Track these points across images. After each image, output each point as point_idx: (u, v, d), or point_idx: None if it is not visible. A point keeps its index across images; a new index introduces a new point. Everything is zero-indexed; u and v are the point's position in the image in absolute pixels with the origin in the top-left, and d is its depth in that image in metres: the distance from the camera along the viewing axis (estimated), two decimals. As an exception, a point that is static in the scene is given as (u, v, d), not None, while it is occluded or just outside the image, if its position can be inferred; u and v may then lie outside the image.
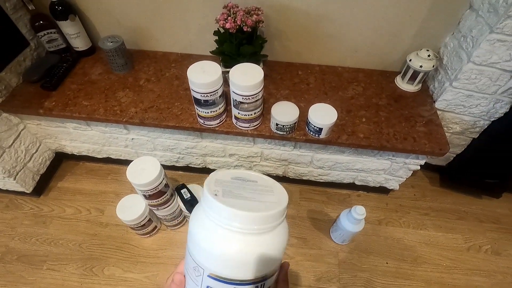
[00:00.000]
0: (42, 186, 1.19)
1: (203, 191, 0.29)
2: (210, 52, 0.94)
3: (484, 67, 0.83)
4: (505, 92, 0.88)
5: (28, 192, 1.13)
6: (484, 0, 0.79)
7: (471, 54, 0.82)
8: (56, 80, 1.00)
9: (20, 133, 1.06)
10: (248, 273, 0.26)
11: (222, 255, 0.26)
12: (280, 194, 0.30)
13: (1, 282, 0.99)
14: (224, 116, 0.90)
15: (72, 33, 1.03)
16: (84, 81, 1.03)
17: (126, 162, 1.22)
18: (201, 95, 0.78)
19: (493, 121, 0.98)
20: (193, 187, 1.00)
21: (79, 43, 1.07)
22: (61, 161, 1.29)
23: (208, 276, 0.26)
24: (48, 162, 1.21)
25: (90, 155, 1.23)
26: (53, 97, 0.98)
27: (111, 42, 0.98)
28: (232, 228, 0.26)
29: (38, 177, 1.17)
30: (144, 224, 0.98)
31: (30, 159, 1.11)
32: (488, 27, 0.77)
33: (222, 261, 0.26)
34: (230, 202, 0.27)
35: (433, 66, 0.94)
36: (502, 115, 0.95)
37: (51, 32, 1.04)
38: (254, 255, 0.26)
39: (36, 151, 1.14)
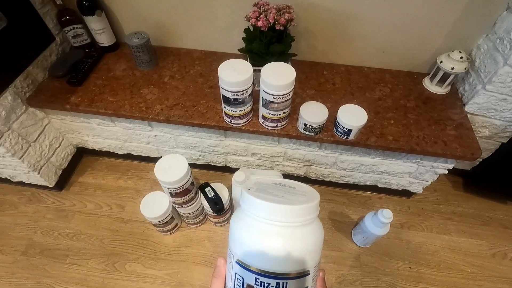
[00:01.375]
0: (64, 180, 1.20)
1: (242, 190, 0.31)
2: (238, 50, 0.93)
3: (522, 70, 0.80)
4: (542, 96, 0.85)
5: (50, 186, 1.14)
6: (525, 1, 0.76)
7: (508, 57, 0.80)
8: (81, 75, 1.00)
9: (44, 127, 1.06)
10: (289, 267, 0.27)
11: (260, 249, 0.27)
12: (312, 196, 0.31)
13: (24, 275, 1.00)
14: (251, 115, 0.89)
15: (98, 28, 1.03)
16: (108, 77, 1.03)
17: (146, 159, 1.24)
18: (231, 94, 0.77)
19: (525, 126, 0.96)
20: (216, 185, 0.99)
21: (104, 39, 1.07)
22: (81, 156, 1.30)
23: (251, 271, 0.27)
24: (70, 157, 1.22)
25: (111, 151, 1.23)
26: (79, 92, 0.98)
27: (137, 38, 0.98)
28: (263, 220, 0.27)
29: (60, 172, 1.17)
30: (167, 222, 0.98)
31: (53, 153, 1.12)
32: (529, 29, 0.74)
33: (262, 255, 0.27)
34: (261, 196, 0.28)
35: (465, 68, 0.91)
36: (536, 120, 0.92)
37: (77, 27, 1.04)
38: (291, 248, 0.27)
39: (59, 145, 1.15)
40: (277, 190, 0.32)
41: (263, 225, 0.27)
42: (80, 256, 1.04)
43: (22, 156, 0.99)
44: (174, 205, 0.95)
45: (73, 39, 1.07)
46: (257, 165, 1.15)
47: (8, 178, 1.14)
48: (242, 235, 0.28)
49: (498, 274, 1.02)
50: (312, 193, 0.32)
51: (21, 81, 0.94)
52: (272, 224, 0.27)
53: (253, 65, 0.88)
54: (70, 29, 1.03)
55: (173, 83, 1.02)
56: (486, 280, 1.01)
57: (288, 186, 0.34)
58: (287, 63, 0.89)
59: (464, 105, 0.97)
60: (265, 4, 0.84)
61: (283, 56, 0.90)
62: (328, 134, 0.88)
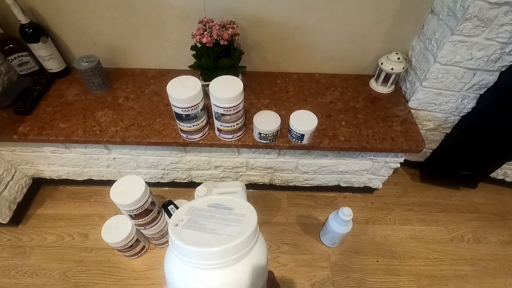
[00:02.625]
0: (19, 215, 1.14)
1: (168, 226, 0.29)
2: (188, 66, 0.95)
3: (449, 66, 0.88)
4: (470, 88, 0.94)
5: (4, 222, 1.07)
6: (443, 5, 0.85)
7: (436, 55, 0.88)
8: (30, 103, 0.97)
9: (-7, 161, 1.01)
10: None
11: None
12: (248, 224, 0.29)
13: (-21, 322, 0.92)
14: (207, 129, 0.90)
15: (44, 55, 1.01)
16: (60, 103, 1.01)
17: (109, 183, 1.19)
18: (182, 110, 0.78)
19: (462, 116, 1.04)
20: (180, 202, 0.98)
21: (53, 65, 1.05)
22: (39, 187, 1.24)
23: None
24: (25, 189, 1.16)
25: (70, 178, 1.19)
26: (27, 121, 0.94)
27: (87, 62, 0.97)
28: (194, 265, 0.26)
29: (15, 206, 1.11)
30: (131, 245, 0.95)
31: (6, 187, 1.06)
32: (449, 30, 0.82)
33: None
34: (187, 234, 0.27)
35: (403, 68, 0.99)
36: (470, 109, 1.01)
37: (22, 55, 1.01)
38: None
39: (12, 178, 1.09)
40: (210, 219, 0.30)
41: (194, 270, 0.26)
42: (42, 293, 0.98)
43: (-32, 193, 0.93)
44: (137, 227, 0.93)
45: (19, 67, 1.03)
46: (222, 177, 1.15)
47: (-44, 219, 1.07)
48: (175, 279, 0.27)
49: (457, 257, 1.08)
50: (249, 216, 0.30)
51: (-38, 115, 0.89)
52: (203, 268, 0.26)
53: (205, 80, 0.91)
54: (15, 58, 1.00)
55: (128, 103, 1.01)
56: (447, 264, 1.07)
57: (225, 207, 0.31)
58: (238, 76, 0.92)
59: (407, 101, 1.04)
60: (209, 21, 0.86)
61: (233, 69, 0.93)
62: (284, 140, 0.91)
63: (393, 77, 1.02)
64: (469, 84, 0.93)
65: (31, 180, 1.19)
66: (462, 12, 0.77)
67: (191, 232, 0.28)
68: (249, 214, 0.30)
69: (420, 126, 1.06)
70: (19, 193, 1.13)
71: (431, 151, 1.21)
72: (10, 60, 1.00)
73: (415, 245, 1.11)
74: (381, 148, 0.91)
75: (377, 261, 1.06)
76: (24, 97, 0.98)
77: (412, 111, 1.02)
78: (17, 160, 1.08)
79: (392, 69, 0.98)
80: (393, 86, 1.07)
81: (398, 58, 0.98)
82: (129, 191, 0.80)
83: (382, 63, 1.00)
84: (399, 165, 1.05)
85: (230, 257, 0.26)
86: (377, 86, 1.07)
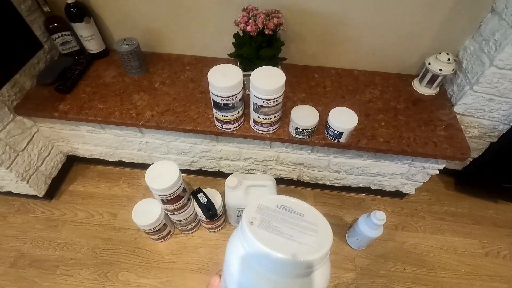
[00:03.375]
0: (53, 189, 1.18)
1: (242, 216, 0.28)
2: (228, 55, 0.93)
3: (507, 71, 0.82)
4: (528, 96, 0.87)
5: (40, 196, 1.12)
6: (508, 3, 0.78)
7: (494, 57, 0.81)
8: (70, 83, 0.99)
9: (33, 136, 1.04)
10: None
11: None
12: (324, 235, 0.28)
13: (13, 288, 0.97)
14: (242, 120, 0.89)
15: (86, 35, 1.02)
16: (98, 84, 1.02)
17: (138, 166, 1.22)
18: (221, 99, 0.77)
19: (512, 125, 0.97)
20: (209, 191, 0.98)
21: (93, 46, 1.06)
22: (72, 164, 1.28)
23: None
24: (59, 165, 1.20)
25: (102, 158, 1.22)
26: (67, 100, 0.97)
27: (127, 44, 0.97)
28: (263, 267, 0.25)
29: (50, 181, 1.15)
30: (159, 229, 0.97)
31: (43, 162, 1.10)
32: (513, 31, 0.76)
33: None
34: (264, 235, 0.26)
35: (453, 70, 0.93)
36: (523, 119, 0.94)
37: (65, 35, 1.03)
38: None
39: (49, 154, 1.13)
40: (284, 223, 0.28)
41: (266, 272, 0.25)
42: (71, 266, 1.02)
43: (9, 165, 0.97)
44: (166, 212, 0.94)
45: (62, 46, 1.05)
46: (250, 169, 1.14)
47: (-4, 188, 1.12)
48: (241, 275, 0.26)
49: (491, 273, 1.03)
50: (324, 227, 0.28)
51: (8, 90, 0.92)
52: (276, 273, 0.25)
53: (244, 70, 0.88)
54: (58, 36, 1.02)
55: (164, 89, 1.01)
56: (480, 279, 1.01)
57: (294, 212, 0.30)
58: (277, 67, 0.89)
59: (453, 106, 0.98)
60: (253, 9, 0.84)
61: (273, 60, 0.91)
62: (320, 137, 0.88)
63: (440, 78, 0.96)
64: (526, 92, 0.86)
65: (66, 157, 1.23)
66: (532, 12, 0.70)
67: (267, 234, 0.26)
68: (323, 224, 0.29)
69: (464, 132, 0.99)
70: (54, 168, 1.17)
71: (472, 159, 1.14)
72: (54, 39, 1.03)
73: (445, 256, 1.06)
74: (422, 152, 0.87)
75: (404, 268, 1.03)
76: (65, 76, 1.00)
77: (458, 116, 0.96)
78: (55, 137, 1.11)
79: (440, 70, 0.93)
80: (438, 89, 1.01)
81: (449, 59, 0.92)
82: (163, 176, 0.81)
83: (429, 63, 0.95)
84: (437, 171, 1.00)
85: (305, 269, 0.25)
86: (420, 87, 1.02)
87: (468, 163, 1.16)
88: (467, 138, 1.04)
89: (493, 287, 1.00)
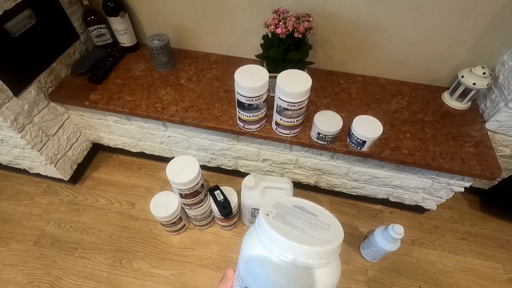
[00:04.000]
0: (78, 174, 1.24)
1: (259, 213, 0.29)
2: (255, 56, 0.94)
3: (548, 89, 0.77)
4: None
5: (65, 179, 1.17)
6: (555, 18, 0.74)
7: (534, 74, 0.77)
8: (102, 74, 1.03)
9: (64, 122, 1.10)
10: None
11: (262, 277, 0.27)
12: (335, 233, 0.29)
13: (35, 265, 1.02)
14: (264, 121, 0.89)
15: (120, 29, 1.06)
16: (128, 77, 1.06)
17: (159, 158, 1.25)
18: (246, 99, 0.77)
19: (549, 147, 0.92)
20: (225, 189, 0.99)
21: (126, 39, 1.10)
22: (96, 152, 1.33)
23: None
24: (85, 152, 1.25)
25: (125, 149, 1.26)
26: (98, 90, 1.01)
27: (158, 40, 1.00)
28: (281, 257, 0.26)
29: (76, 166, 1.21)
30: (175, 222, 0.99)
31: (70, 148, 1.15)
32: (558, 48, 0.71)
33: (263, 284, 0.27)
34: (278, 226, 0.28)
35: (488, 85, 0.89)
36: (561, 141, 0.88)
37: (100, 27, 1.07)
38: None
39: (76, 140, 1.18)
40: (298, 219, 0.30)
41: (280, 262, 0.26)
42: (89, 250, 1.06)
43: (41, 148, 1.02)
44: (183, 206, 0.96)
45: (97, 38, 1.10)
46: (268, 171, 1.14)
47: (26, 169, 1.18)
48: (255, 265, 0.27)
49: (514, 301, 0.97)
50: (336, 228, 0.30)
51: (45, 77, 0.97)
52: (290, 263, 0.26)
53: (270, 72, 0.89)
54: (94, 29, 1.07)
55: (190, 85, 1.03)
56: (500, 306, 0.96)
57: (309, 212, 0.32)
58: (304, 71, 0.89)
59: (484, 122, 0.94)
60: (284, 12, 0.84)
61: (300, 64, 0.90)
62: (342, 144, 0.87)
63: (472, 92, 0.92)
64: None
65: (91, 145, 1.28)
66: None
67: (282, 225, 0.28)
68: (335, 225, 0.30)
69: (495, 150, 0.95)
70: (80, 154, 1.22)
71: (500, 179, 1.09)
72: (90, 31, 1.07)
73: (465, 278, 1.01)
74: (449, 168, 0.84)
75: (419, 286, 0.99)
76: (98, 67, 1.05)
77: (489, 133, 0.92)
78: (83, 125, 1.16)
79: (474, 84, 0.89)
80: (470, 103, 0.97)
81: (484, 73, 0.88)
82: (183, 170, 0.82)
83: (463, 76, 0.91)
84: (463, 189, 0.96)
85: (317, 260, 0.26)
86: (450, 100, 0.98)
87: (497, 183, 1.11)
88: (497, 156, 1.00)
89: (515, 316, 0.95)
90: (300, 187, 1.20)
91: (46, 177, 1.20)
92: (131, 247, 1.06)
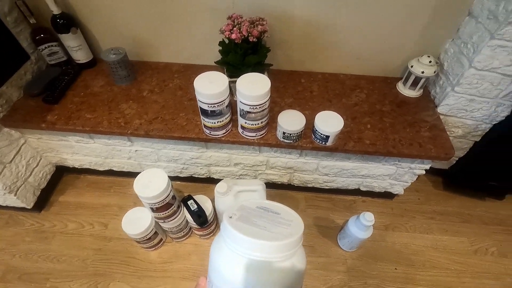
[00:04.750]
0: (43, 201, 1.17)
1: (223, 217, 0.31)
2: (214, 62, 0.95)
3: (486, 72, 0.84)
4: (507, 96, 0.90)
5: (29, 207, 1.10)
6: (484, 7, 0.81)
7: (472, 59, 0.84)
8: (58, 93, 0.99)
9: (20, 147, 1.04)
10: None
11: (240, 284, 0.27)
12: (296, 227, 0.31)
13: (2, 302, 0.96)
14: (230, 126, 0.90)
15: (73, 45, 1.03)
16: (86, 94, 1.02)
17: (129, 174, 1.22)
18: (208, 106, 0.78)
19: (494, 124, 1.00)
20: (199, 197, 0.98)
21: (81, 56, 1.07)
22: (61, 175, 1.27)
23: None
24: (49, 176, 1.19)
25: (92, 168, 1.21)
26: (55, 110, 0.96)
27: (114, 54, 0.98)
28: (244, 255, 0.27)
29: (39, 192, 1.14)
30: (150, 237, 0.96)
31: (31, 174, 1.09)
32: (489, 33, 0.78)
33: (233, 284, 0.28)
34: (241, 227, 0.29)
35: (435, 72, 0.95)
36: (504, 118, 0.96)
37: (52, 45, 1.03)
38: (272, 284, 0.28)
39: (37, 165, 1.12)
40: (261, 218, 0.31)
41: (246, 260, 0.27)
42: (62, 278, 1.00)
43: (-3, 178, 0.96)
44: (156, 220, 0.94)
45: (49, 57, 1.06)
46: (241, 174, 1.15)
47: (-17, 201, 1.10)
48: (222, 267, 0.28)
49: (481, 270, 1.04)
50: (297, 222, 0.32)
51: (-6, 102, 0.92)
52: (254, 259, 0.27)
53: (230, 77, 0.90)
54: (45, 47, 1.02)
55: (152, 97, 1.02)
56: (470, 276, 1.03)
57: (272, 211, 0.34)
58: (264, 73, 0.90)
59: (436, 107, 1.00)
60: (238, 17, 0.85)
61: (259, 66, 0.92)
62: (307, 141, 0.89)
63: (422, 80, 0.98)
64: (505, 91, 0.88)
65: (55, 168, 1.22)
66: (505, 15, 0.73)
67: (244, 225, 0.30)
68: (296, 220, 0.33)
69: (448, 132, 1.01)
70: (43, 179, 1.16)
71: (457, 158, 1.16)
72: (41, 50, 1.03)
73: (436, 255, 1.07)
74: (408, 153, 0.88)
75: (395, 268, 1.04)
76: (52, 87, 1.00)
77: (441, 117, 0.98)
78: (43, 148, 1.11)
79: (422, 72, 0.95)
80: (422, 90, 1.04)
81: (430, 62, 0.94)
82: (152, 184, 0.81)
83: (412, 66, 0.97)
84: (424, 172, 1.02)
85: (280, 254, 0.27)
86: (404, 90, 1.04)
87: (454, 162, 1.18)
88: (451, 138, 1.06)
89: (483, 283, 1.01)
90: (275, 187, 1.21)
91: (7, 207, 1.13)
92: (107, 270, 1.02)
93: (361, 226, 0.93)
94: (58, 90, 1.00)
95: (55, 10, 0.93)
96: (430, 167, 1.01)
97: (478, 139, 1.07)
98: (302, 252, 0.31)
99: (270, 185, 1.20)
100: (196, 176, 1.20)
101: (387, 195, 1.20)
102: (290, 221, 0.32)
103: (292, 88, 1.05)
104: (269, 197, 1.21)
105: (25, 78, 1.02)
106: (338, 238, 1.09)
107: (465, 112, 0.98)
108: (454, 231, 1.14)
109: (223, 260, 0.28)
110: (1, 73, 0.94)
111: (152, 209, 0.85)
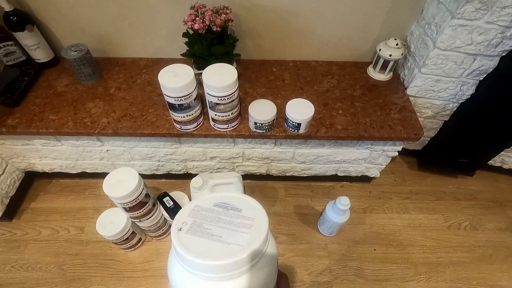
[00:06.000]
0: (13, 209, 1.12)
1: (171, 229, 0.27)
2: (181, 55, 0.92)
3: (449, 52, 0.86)
4: (470, 74, 0.92)
5: (-3, 217, 1.06)
6: (444, -13, 0.82)
7: (435, 40, 0.85)
8: (17, 95, 0.94)
9: (-18, 155, 0.98)
10: None
11: None
12: (258, 230, 0.27)
13: (-25, 317, 0.92)
14: (201, 119, 0.88)
15: (31, 44, 0.97)
16: (49, 94, 0.98)
17: (103, 175, 1.16)
18: (174, 100, 0.76)
19: (461, 103, 1.02)
20: (176, 194, 0.97)
21: (40, 55, 1.01)
22: (32, 180, 1.22)
23: None
24: (17, 183, 1.14)
25: (64, 171, 1.17)
26: (16, 113, 0.92)
27: (75, 51, 0.94)
28: (197, 275, 0.25)
29: (8, 200, 1.09)
30: (127, 238, 0.94)
31: (-3, 181, 1.04)
32: (450, 13, 0.80)
33: None
34: (191, 240, 0.26)
35: (402, 54, 0.96)
36: (469, 96, 0.99)
37: (8, 45, 0.97)
38: None
39: (3, 172, 1.06)
40: (216, 223, 0.28)
41: (198, 279, 0.25)
42: (39, 287, 0.97)
43: (-43, 188, 0.91)
44: (132, 219, 0.92)
45: (5, 57, 1.00)
46: (219, 168, 1.14)
47: None
48: (178, 284, 0.26)
49: (454, 244, 1.08)
50: (260, 221, 0.28)
51: None
52: (208, 279, 0.25)
53: (198, 69, 0.88)
54: (0, 47, 0.96)
55: (120, 94, 0.98)
56: (444, 251, 1.07)
57: (233, 208, 0.29)
58: (232, 63, 0.89)
59: (405, 89, 1.02)
60: (201, 7, 0.83)
61: (227, 57, 0.90)
62: (280, 130, 0.89)
63: (391, 63, 0.99)
64: (468, 70, 0.91)
65: (24, 174, 1.17)
66: (463, -6, 0.74)
67: (196, 238, 0.26)
68: (259, 217, 0.28)
69: (418, 113, 1.04)
70: (11, 187, 1.11)
71: (429, 139, 1.19)
72: (-4, 50, 0.97)
73: (412, 233, 1.11)
74: (379, 136, 0.90)
75: (374, 249, 1.06)
76: (12, 89, 0.95)
77: (411, 98, 1.00)
78: (8, 154, 1.05)
79: (390, 55, 0.96)
80: (391, 73, 1.05)
81: (397, 44, 0.95)
82: (122, 183, 0.79)
83: (380, 50, 0.98)
84: (396, 153, 1.04)
85: (239, 270, 0.24)
86: (375, 74, 1.05)
87: (427, 142, 1.22)
88: (421, 119, 1.10)
89: (457, 256, 1.05)
90: (254, 178, 1.21)
91: (-26, 218, 1.07)
92: (85, 274, 1.00)
93: (338, 210, 0.94)
94: (18, 92, 0.94)
95: (6, 7, 0.88)
96: (404, 149, 1.04)
97: (447, 118, 1.10)
98: (271, 250, 0.27)
99: (249, 177, 1.20)
100: (173, 172, 1.17)
101: (365, 179, 1.22)
102: (252, 219, 0.28)
103: (264, 78, 1.04)
104: (249, 188, 1.21)
105: (-20, 81, 0.96)
106: (318, 224, 1.10)
107: (433, 93, 1.00)
108: (429, 209, 1.18)
109: (177, 277, 0.26)
110: (-48, 76, 0.88)
111: (125, 209, 0.83)
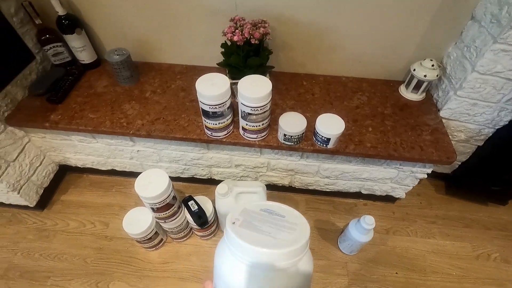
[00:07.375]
0: (45, 199, 1.18)
1: (226, 222, 0.30)
2: (217, 64, 0.95)
3: (489, 76, 0.84)
4: (510, 100, 0.89)
5: (31, 206, 1.12)
6: (487, 11, 0.81)
7: (475, 63, 0.84)
8: (61, 93, 1.00)
9: (24, 146, 1.05)
10: None
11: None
12: (301, 232, 0.30)
13: (3, 300, 0.96)
14: (231, 127, 0.90)
15: (78, 46, 1.04)
16: (89, 94, 1.03)
17: (131, 174, 1.23)
18: (209, 107, 0.78)
19: (497, 129, 0.99)
20: (200, 198, 0.99)
21: (85, 56, 1.08)
22: (64, 173, 1.28)
23: None
24: (51, 175, 1.20)
25: (94, 167, 1.22)
26: (59, 110, 0.98)
27: (118, 55, 0.99)
28: (248, 263, 0.26)
29: (42, 191, 1.15)
30: (150, 237, 0.97)
31: (34, 172, 1.10)
32: (492, 38, 0.78)
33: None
34: (244, 233, 0.28)
35: (437, 76, 0.95)
36: (507, 122, 0.96)
37: (57, 46, 1.04)
38: None
39: (40, 164, 1.13)
40: (264, 223, 0.30)
41: (248, 267, 0.26)
42: (62, 277, 1.01)
43: (0, 176, 0.97)
44: (157, 220, 0.94)
45: (54, 57, 1.07)
46: (242, 176, 1.15)
47: (-13, 199, 1.12)
48: (226, 274, 0.28)
49: (483, 276, 1.03)
50: (302, 226, 0.30)
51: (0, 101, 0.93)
52: (258, 268, 0.26)
53: (232, 79, 0.90)
54: (50, 48, 1.04)
55: (155, 98, 1.02)
56: (471, 282, 1.02)
57: (277, 214, 0.32)
58: (266, 75, 0.91)
59: (438, 110, 1.00)
60: (241, 20, 0.86)
61: (261, 68, 0.92)
62: (308, 143, 0.89)
63: (425, 84, 0.98)
64: (508, 96, 0.88)
65: (58, 167, 1.23)
66: (508, 19, 0.73)
67: (247, 231, 0.29)
68: (302, 224, 0.31)
69: (450, 136, 1.01)
70: (46, 178, 1.17)
71: (460, 163, 1.16)
72: (46, 50, 1.04)
73: (437, 260, 1.06)
74: (409, 157, 0.88)
75: (396, 273, 1.03)
76: (57, 87, 1.02)
77: (444, 120, 0.98)
78: (46, 147, 1.12)
79: (425, 76, 0.95)
80: (424, 94, 1.03)
81: (432, 65, 0.94)
82: (152, 184, 0.81)
83: (414, 69, 0.97)
84: (426, 175, 1.01)
85: (284, 262, 0.26)
86: (407, 93, 1.04)
87: (457, 166, 1.18)
88: (453, 142, 1.07)
89: (484, 290, 1.00)
90: (276, 189, 1.21)
91: (10, 205, 1.14)
92: (107, 269, 1.03)
93: (361, 229, 0.92)
94: (62, 90, 1.01)
95: (61, 11, 0.95)
96: (432, 171, 1.01)
97: (481, 143, 1.06)
98: (309, 256, 0.30)
99: (271, 187, 1.20)
100: (197, 177, 1.20)
101: (389, 199, 1.20)
102: (295, 224, 0.31)
103: (294, 91, 1.06)
104: (270, 198, 1.21)
105: (30, 78, 1.04)
106: (339, 241, 1.08)
107: (468, 116, 0.97)
108: (456, 235, 1.13)
109: (227, 266, 0.28)
110: (7, 72, 0.95)
111: (152, 209, 0.85)
